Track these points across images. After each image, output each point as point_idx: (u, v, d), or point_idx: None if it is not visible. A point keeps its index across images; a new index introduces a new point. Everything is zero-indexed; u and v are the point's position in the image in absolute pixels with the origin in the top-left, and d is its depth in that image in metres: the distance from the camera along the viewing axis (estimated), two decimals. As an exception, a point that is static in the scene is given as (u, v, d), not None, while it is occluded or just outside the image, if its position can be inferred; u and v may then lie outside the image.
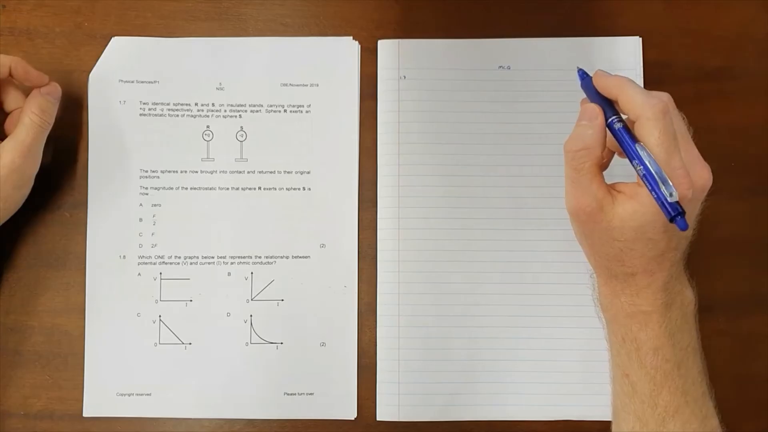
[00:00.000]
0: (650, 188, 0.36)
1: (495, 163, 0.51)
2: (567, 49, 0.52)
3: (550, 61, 0.52)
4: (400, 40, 0.52)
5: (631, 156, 0.37)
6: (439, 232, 0.51)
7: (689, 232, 0.39)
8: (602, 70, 0.40)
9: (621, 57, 0.52)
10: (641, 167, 0.36)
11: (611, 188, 0.39)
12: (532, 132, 0.51)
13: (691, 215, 0.39)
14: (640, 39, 0.52)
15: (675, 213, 0.35)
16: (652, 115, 0.36)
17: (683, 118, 0.39)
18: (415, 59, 0.52)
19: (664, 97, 0.37)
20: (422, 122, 0.51)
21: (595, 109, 0.39)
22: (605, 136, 0.38)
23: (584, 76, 0.41)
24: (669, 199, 0.35)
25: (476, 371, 0.50)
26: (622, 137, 0.38)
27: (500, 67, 0.52)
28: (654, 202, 0.36)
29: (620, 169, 0.41)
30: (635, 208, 0.37)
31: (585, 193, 0.38)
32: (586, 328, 0.50)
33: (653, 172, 0.35)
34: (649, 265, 0.38)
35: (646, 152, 0.36)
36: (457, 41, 0.52)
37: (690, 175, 0.36)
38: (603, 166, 0.40)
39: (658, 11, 0.52)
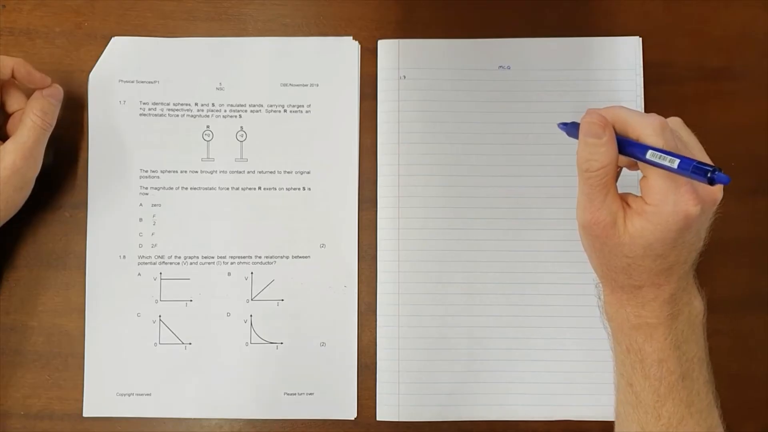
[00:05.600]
0: (677, 158, 0.34)
1: (495, 163, 0.51)
2: (567, 49, 0.52)
3: (550, 61, 0.52)
4: (400, 40, 0.52)
5: (642, 148, 0.35)
6: (439, 232, 0.51)
7: (699, 244, 0.39)
8: (592, 108, 0.39)
9: (621, 57, 0.52)
10: (653, 151, 0.35)
11: (623, 200, 0.38)
12: (532, 132, 0.51)
13: (702, 228, 0.38)
14: (640, 39, 0.52)
15: (712, 169, 0.33)
16: (652, 131, 0.36)
17: (690, 134, 0.39)
18: (415, 59, 0.52)
19: (659, 117, 0.37)
20: (422, 122, 0.51)
21: (600, 123, 0.37)
22: (617, 148, 0.37)
23: (565, 125, 0.41)
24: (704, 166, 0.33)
25: (476, 371, 0.50)
26: (624, 138, 0.37)
27: (500, 67, 0.52)
28: (662, 219, 0.35)
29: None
30: (643, 225, 0.36)
31: (600, 207, 0.37)
32: (586, 328, 0.50)
33: (671, 150, 0.34)
34: (657, 278, 0.38)
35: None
36: (457, 41, 0.52)
37: (696, 191, 0.35)
38: (616, 176, 0.39)
39: (658, 11, 0.52)
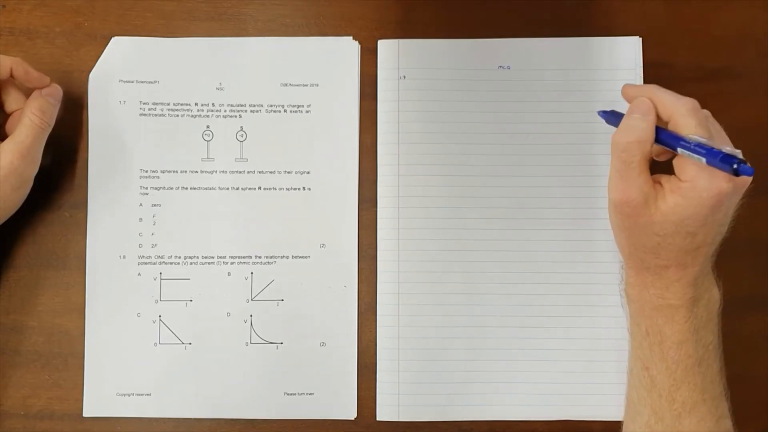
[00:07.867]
0: (705, 153, 0.36)
1: (495, 163, 0.51)
2: (567, 49, 0.52)
3: (550, 61, 0.52)
4: (400, 40, 0.52)
5: (677, 137, 0.38)
6: (439, 232, 0.51)
7: (725, 227, 0.40)
8: (629, 83, 0.42)
9: (621, 57, 0.51)
10: (690, 143, 0.37)
11: (655, 181, 0.39)
12: (532, 132, 0.51)
13: (731, 209, 0.39)
14: (640, 39, 0.52)
15: (737, 160, 0.35)
16: (686, 111, 0.38)
17: (719, 128, 0.40)
18: (415, 59, 0.52)
19: (692, 99, 0.39)
20: (422, 122, 0.51)
21: (648, 103, 0.39)
22: (655, 131, 0.39)
23: (605, 112, 0.44)
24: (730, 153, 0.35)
25: (476, 371, 0.50)
26: (662, 129, 0.39)
27: (500, 67, 0.52)
28: (696, 194, 0.37)
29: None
30: (677, 201, 0.37)
31: (632, 186, 0.38)
32: (587, 328, 0.50)
33: (704, 140, 0.36)
34: (684, 258, 0.39)
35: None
36: (457, 41, 0.52)
37: None
38: (650, 160, 0.40)
39: (658, 11, 0.52)
